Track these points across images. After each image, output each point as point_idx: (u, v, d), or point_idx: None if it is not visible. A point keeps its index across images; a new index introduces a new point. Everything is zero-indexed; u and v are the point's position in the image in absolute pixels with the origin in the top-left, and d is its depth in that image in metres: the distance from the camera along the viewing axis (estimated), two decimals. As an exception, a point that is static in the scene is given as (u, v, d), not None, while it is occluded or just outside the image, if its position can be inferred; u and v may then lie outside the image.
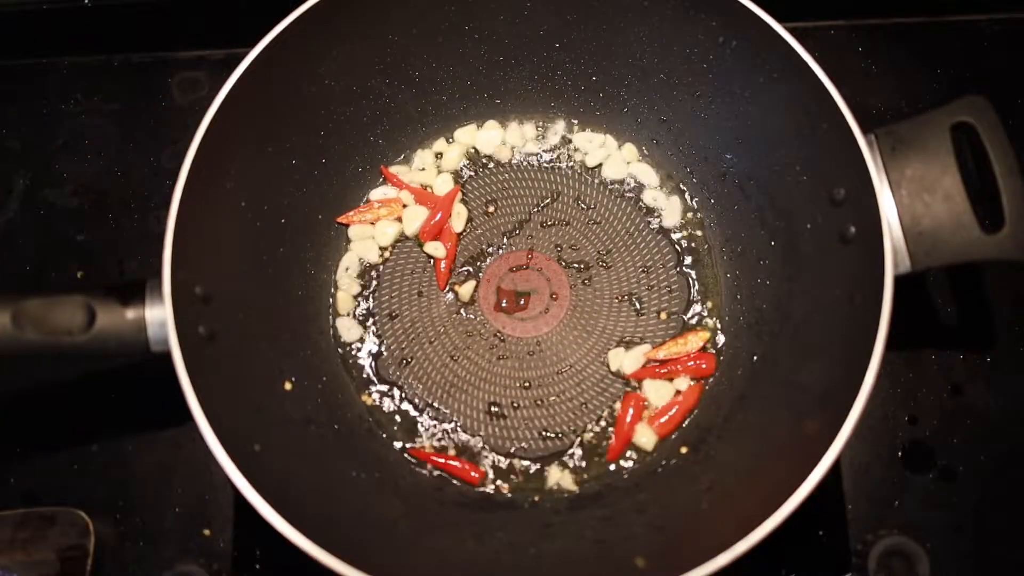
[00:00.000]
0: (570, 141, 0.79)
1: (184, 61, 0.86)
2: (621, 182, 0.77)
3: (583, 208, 0.77)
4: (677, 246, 0.75)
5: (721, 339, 0.71)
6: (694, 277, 0.73)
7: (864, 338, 0.54)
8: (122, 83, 0.85)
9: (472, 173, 0.78)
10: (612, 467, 0.67)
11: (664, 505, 0.62)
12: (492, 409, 0.69)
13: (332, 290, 0.73)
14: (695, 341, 0.70)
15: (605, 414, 0.69)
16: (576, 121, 0.79)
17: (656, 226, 0.76)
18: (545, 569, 0.59)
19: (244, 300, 0.64)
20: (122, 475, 0.68)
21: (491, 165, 0.79)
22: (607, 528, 0.62)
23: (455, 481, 0.67)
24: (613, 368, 0.70)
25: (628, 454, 0.67)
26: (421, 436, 0.69)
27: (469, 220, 0.76)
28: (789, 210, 0.68)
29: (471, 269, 0.75)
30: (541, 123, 0.80)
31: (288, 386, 0.66)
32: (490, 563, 0.60)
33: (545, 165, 0.78)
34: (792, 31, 0.63)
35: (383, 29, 0.72)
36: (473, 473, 0.66)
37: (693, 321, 0.72)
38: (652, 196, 0.76)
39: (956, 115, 0.59)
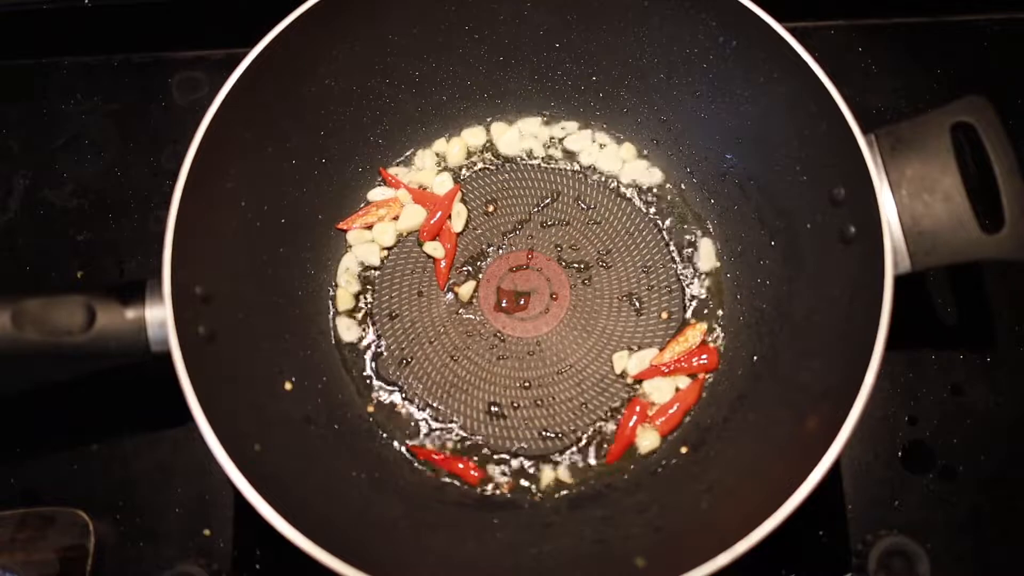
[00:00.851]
0: (570, 141, 0.79)
1: (184, 61, 0.86)
2: (621, 182, 0.77)
3: (583, 208, 0.77)
4: (677, 246, 0.75)
5: (721, 339, 0.71)
6: (694, 277, 0.73)
7: (864, 338, 0.54)
8: (122, 83, 0.85)
9: (471, 173, 0.78)
10: (612, 466, 0.67)
11: (664, 505, 0.62)
12: (492, 409, 0.69)
13: (332, 290, 0.73)
14: (695, 335, 0.70)
15: (605, 414, 0.69)
16: (576, 121, 0.79)
17: (656, 226, 0.76)
18: (545, 569, 0.59)
19: (244, 300, 0.64)
20: (122, 475, 0.68)
21: (491, 165, 0.79)
22: (607, 528, 0.62)
23: (455, 481, 0.67)
24: (618, 370, 0.70)
25: (628, 454, 0.67)
26: (421, 436, 0.69)
27: (469, 220, 0.76)
28: (789, 210, 0.68)
29: (471, 269, 0.75)
30: (541, 123, 0.79)
31: (288, 386, 0.66)
32: (490, 563, 0.60)
33: (544, 165, 0.78)
34: (792, 31, 0.63)
35: (383, 29, 0.72)
36: (473, 473, 0.66)
37: (693, 320, 0.72)
38: (652, 196, 0.76)
39: (956, 115, 0.59)
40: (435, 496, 0.65)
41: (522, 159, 0.79)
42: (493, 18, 0.74)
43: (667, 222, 0.76)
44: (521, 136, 0.79)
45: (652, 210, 0.76)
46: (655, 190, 0.77)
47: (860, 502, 0.66)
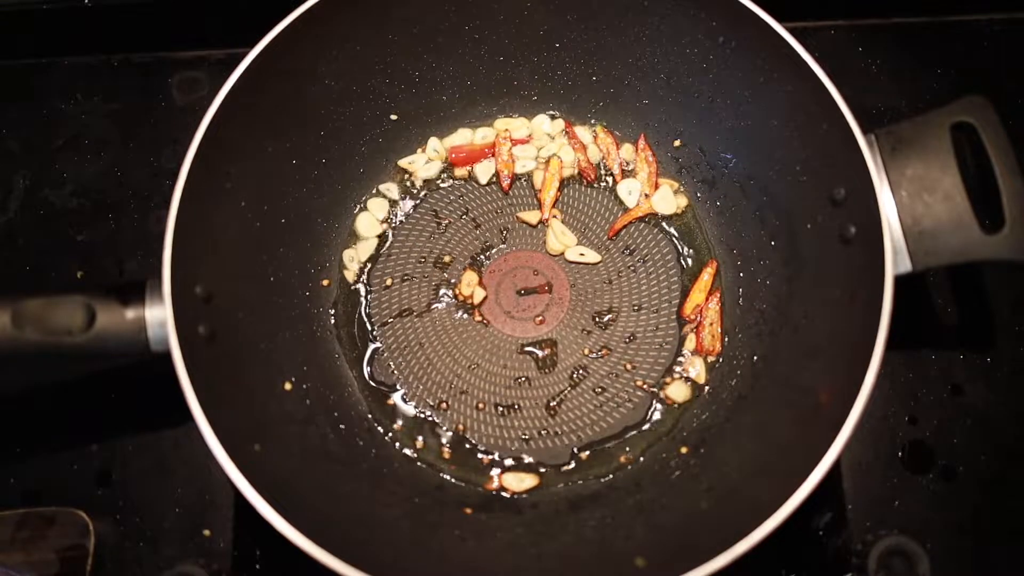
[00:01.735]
0: (570, 140, 0.79)
1: (184, 61, 0.86)
2: (621, 181, 0.77)
3: (583, 207, 0.77)
4: (677, 245, 0.75)
5: (721, 339, 0.71)
6: (694, 276, 0.73)
7: (864, 338, 0.54)
8: (122, 83, 0.85)
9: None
10: (612, 466, 0.67)
11: (664, 505, 0.62)
12: (492, 409, 0.69)
13: (333, 289, 0.73)
14: (707, 277, 0.72)
15: (605, 413, 0.69)
16: (576, 121, 0.79)
17: (656, 225, 0.76)
18: (545, 569, 0.59)
19: (244, 300, 0.64)
20: (122, 475, 0.68)
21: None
22: (607, 528, 0.62)
23: (455, 481, 0.67)
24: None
25: (629, 453, 0.67)
26: (421, 436, 0.69)
27: (471, 220, 0.76)
28: (789, 210, 0.68)
29: (472, 269, 0.75)
30: (540, 122, 0.79)
31: (288, 386, 0.66)
32: (490, 563, 0.60)
33: (544, 164, 0.78)
34: (792, 31, 0.63)
35: (383, 29, 0.72)
36: (473, 473, 0.66)
37: (693, 318, 0.72)
38: (652, 196, 0.76)
39: (956, 115, 0.59)
40: (435, 496, 0.65)
41: (521, 158, 0.79)
42: (493, 18, 0.74)
43: (668, 222, 0.76)
44: (520, 135, 0.79)
45: (652, 210, 0.76)
46: (655, 190, 0.76)
47: (860, 502, 0.66)
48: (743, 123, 0.71)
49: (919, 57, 0.84)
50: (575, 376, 0.70)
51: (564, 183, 0.78)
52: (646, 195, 0.76)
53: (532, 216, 0.76)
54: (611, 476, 0.66)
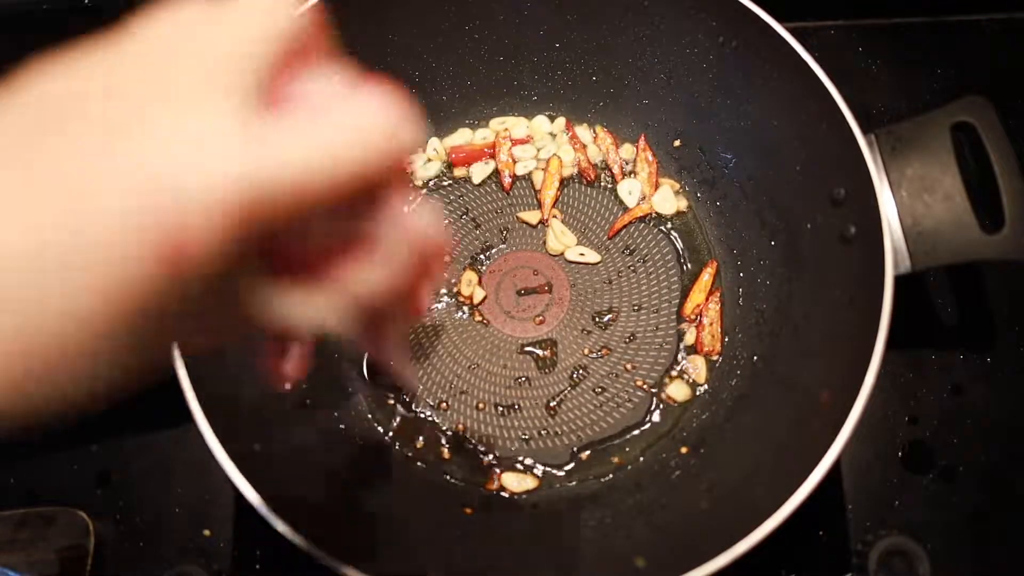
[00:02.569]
0: (570, 140, 0.79)
1: (184, 61, 0.86)
2: (621, 181, 0.77)
3: (583, 207, 0.77)
4: (677, 245, 0.75)
5: (721, 339, 0.71)
6: (694, 276, 0.73)
7: (864, 338, 0.54)
8: None
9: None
10: (612, 466, 0.67)
11: (664, 505, 0.62)
12: (492, 409, 0.69)
13: (332, 290, 0.73)
14: (707, 277, 0.72)
15: (605, 413, 0.69)
16: (575, 121, 0.79)
17: (656, 225, 0.76)
18: (545, 569, 0.59)
19: (244, 300, 0.64)
20: (122, 475, 0.68)
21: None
22: (607, 528, 0.62)
23: (455, 481, 0.67)
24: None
25: (628, 452, 0.67)
26: (421, 436, 0.69)
27: (471, 220, 0.76)
28: (789, 210, 0.68)
29: (471, 269, 0.75)
30: (540, 122, 0.79)
31: (288, 386, 0.65)
32: (490, 563, 0.60)
33: (543, 164, 0.78)
34: (792, 31, 0.63)
35: (383, 29, 0.72)
36: (473, 473, 0.66)
37: (693, 318, 0.72)
38: (652, 196, 0.76)
39: (956, 115, 0.59)
40: (435, 496, 0.65)
41: (521, 158, 0.79)
42: (493, 18, 0.74)
43: (667, 222, 0.76)
44: (520, 134, 0.79)
45: (652, 210, 0.76)
46: (655, 190, 0.76)
47: (860, 502, 0.66)
48: (743, 123, 0.71)
49: (919, 57, 0.84)
50: (575, 376, 0.70)
51: (564, 183, 0.78)
52: (644, 195, 0.76)
53: (532, 216, 0.76)
54: (611, 476, 0.66)
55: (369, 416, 0.69)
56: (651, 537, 0.59)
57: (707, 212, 0.75)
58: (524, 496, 0.66)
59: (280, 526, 0.51)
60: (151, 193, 0.23)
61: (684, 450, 0.66)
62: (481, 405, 0.70)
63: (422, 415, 0.69)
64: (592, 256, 0.74)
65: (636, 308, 0.73)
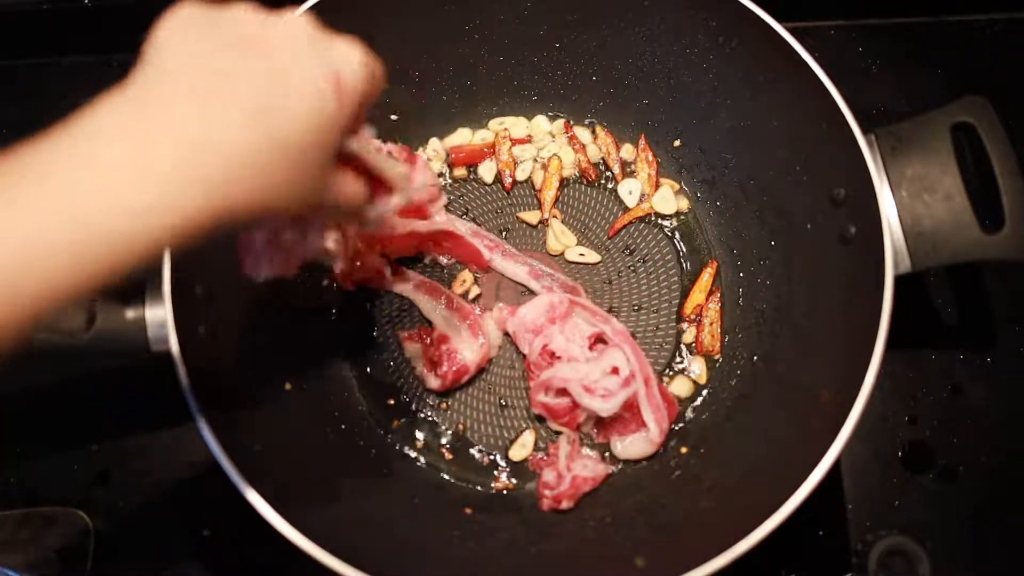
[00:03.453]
0: (570, 141, 0.79)
1: (184, 61, 0.86)
2: (621, 181, 0.77)
3: (583, 207, 0.77)
4: (677, 245, 0.75)
5: (721, 339, 0.71)
6: (694, 276, 0.73)
7: (864, 338, 0.54)
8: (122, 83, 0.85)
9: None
10: (614, 465, 0.67)
11: (664, 505, 0.62)
12: (494, 408, 0.69)
13: (333, 290, 0.73)
14: (707, 277, 0.72)
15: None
16: (575, 121, 0.79)
17: (656, 225, 0.76)
18: (545, 569, 0.59)
19: (244, 300, 0.64)
20: (122, 475, 0.68)
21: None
22: (607, 528, 0.62)
23: (455, 481, 0.67)
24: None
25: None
26: (421, 436, 0.69)
27: (471, 220, 0.76)
28: (789, 210, 0.68)
29: (471, 268, 0.75)
30: (540, 122, 0.79)
31: (288, 386, 0.66)
32: (490, 563, 0.60)
33: (544, 164, 0.78)
34: (792, 31, 0.63)
35: (383, 29, 0.72)
36: (474, 473, 0.66)
37: (693, 318, 0.72)
38: (652, 196, 0.76)
39: (956, 115, 0.59)
40: (435, 496, 0.65)
41: (521, 158, 0.79)
42: (493, 18, 0.74)
43: (667, 222, 0.76)
44: (520, 134, 0.79)
45: (652, 209, 0.76)
46: (655, 190, 0.76)
47: (860, 502, 0.66)
48: (743, 123, 0.71)
49: (919, 57, 0.84)
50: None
51: (564, 183, 0.77)
52: (644, 195, 0.76)
53: (532, 216, 0.76)
54: (612, 476, 0.66)
55: (369, 416, 0.69)
56: (651, 537, 0.59)
57: (707, 212, 0.75)
58: (525, 496, 0.66)
59: (280, 526, 0.51)
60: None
61: (684, 450, 0.66)
62: (482, 405, 0.70)
63: (422, 415, 0.69)
64: (592, 256, 0.74)
65: (636, 308, 0.73)
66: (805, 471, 0.52)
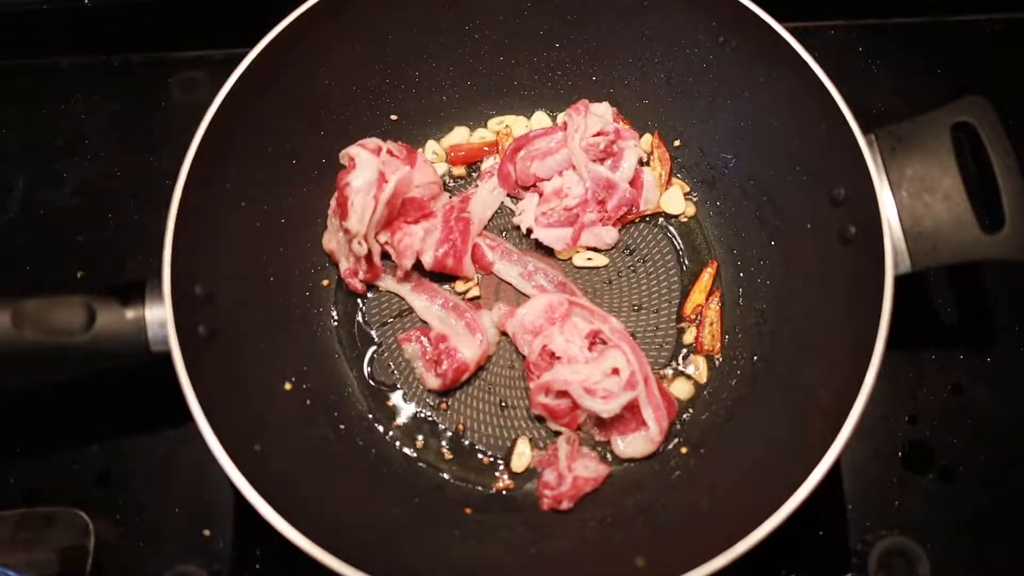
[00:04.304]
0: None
1: (184, 61, 0.86)
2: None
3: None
4: (677, 245, 0.75)
5: (721, 339, 0.71)
6: (694, 276, 0.73)
7: (864, 338, 0.54)
8: (122, 83, 0.85)
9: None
10: (613, 466, 0.67)
11: (664, 505, 0.62)
12: (493, 408, 0.69)
13: (333, 290, 0.73)
14: (707, 277, 0.72)
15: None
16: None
17: (656, 225, 0.76)
18: (545, 569, 0.59)
19: (244, 300, 0.64)
20: (122, 475, 0.68)
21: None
22: (607, 528, 0.62)
23: (455, 481, 0.67)
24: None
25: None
26: (421, 435, 0.69)
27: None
28: (789, 210, 0.68)
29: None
30: (539, 121, 0.79)
31: (288, 386, 0.66)
32: (490, 563, 0.60)
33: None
34: (792, 31, 0.63)
35: (383, 29, 0.72)
36: (473, 473, 0.66)
37: (693, 318, 0.72)
38: (652, 195, 0.76)
39: (956, 115, 0.59)
40: (435, 496, 0.65)
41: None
42: (493, 18, 0.74)
43: (667, 222, 0.75)
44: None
45: (652, 210, 0.76)
46: (655, 190, 0.76)
47: (860, 502, 0.66)
48: (743, 123, 0.71)
49: (919, 57, 0.84)
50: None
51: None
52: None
53: (532, 216, 0.76)
54: (612, 476, 0.66)
55: (369, 416, 0.69)
56: (651, 537, 0.59)
57: (707, 212, 0.75)
58: (525, 496, 0.66)
59: (280, 526, 0.51)
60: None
61: (684, 450, 0.66)
62: (483, 405, 0.70)
63: (422, 415, 0.69)
64: (600, 259, 0.74)
65: (636, 308, 0.73)
66: (805, 471, 0.52)
